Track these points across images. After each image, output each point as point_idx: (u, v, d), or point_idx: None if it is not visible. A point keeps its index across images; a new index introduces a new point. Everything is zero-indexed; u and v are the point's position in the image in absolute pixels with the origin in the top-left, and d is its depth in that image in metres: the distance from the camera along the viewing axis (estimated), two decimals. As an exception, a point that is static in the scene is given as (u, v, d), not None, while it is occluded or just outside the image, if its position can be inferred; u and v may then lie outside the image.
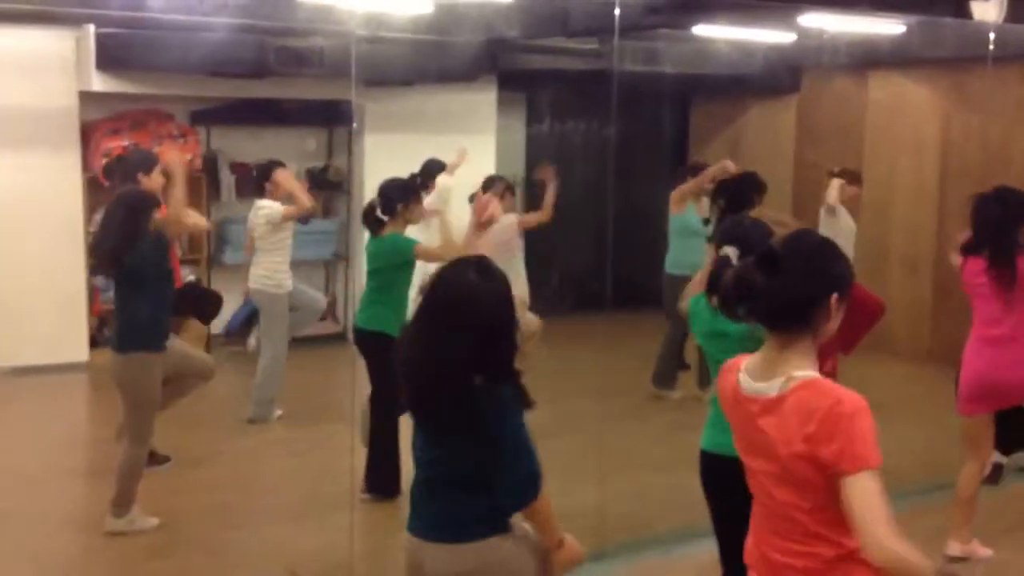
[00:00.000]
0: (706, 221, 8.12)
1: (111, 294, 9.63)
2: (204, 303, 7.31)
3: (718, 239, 3.85)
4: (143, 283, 5.64)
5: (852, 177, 8.35)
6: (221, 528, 5.95)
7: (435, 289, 3.07)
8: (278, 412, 7.91)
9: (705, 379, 8.51)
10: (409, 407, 3.17)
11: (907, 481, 6.24)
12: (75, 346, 9.30)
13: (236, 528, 5.97)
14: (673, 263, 8.35)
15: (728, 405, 2.79)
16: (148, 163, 6.44)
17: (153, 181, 6.34)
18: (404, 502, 6.29)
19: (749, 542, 2.85)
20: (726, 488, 3.59)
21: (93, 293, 9.51)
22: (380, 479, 6.20)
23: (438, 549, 3.16)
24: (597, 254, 9.24)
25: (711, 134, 12.53)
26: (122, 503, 5.72)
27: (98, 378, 9.16)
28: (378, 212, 6.25)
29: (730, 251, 3.66)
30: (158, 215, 5.69)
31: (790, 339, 2.63)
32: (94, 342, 9.49)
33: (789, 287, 2.60)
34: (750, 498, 2.85)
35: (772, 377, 2.63)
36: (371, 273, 6.34)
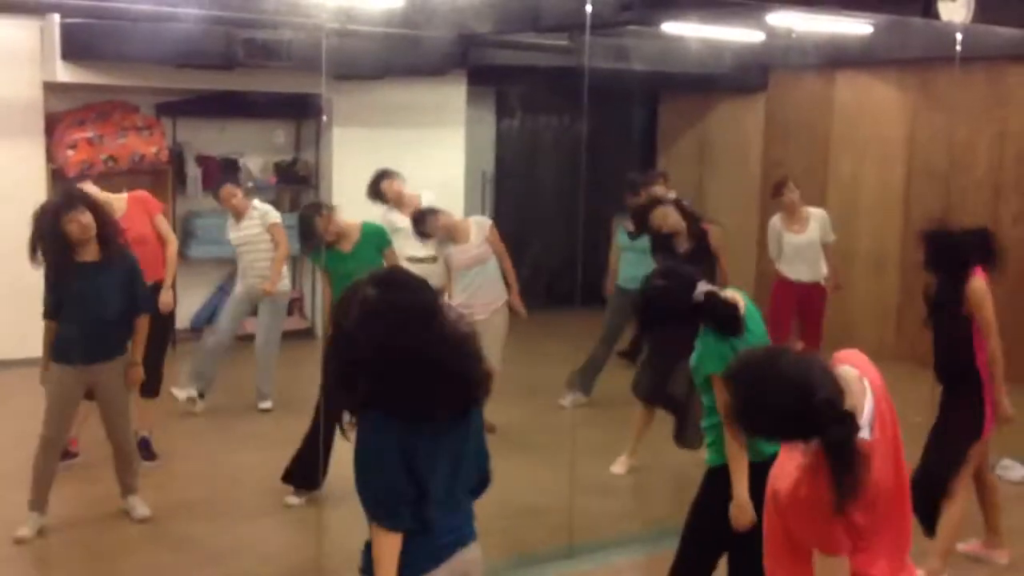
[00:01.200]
0: (630, 235, 8.19)
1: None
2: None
3: (680, 292, 3.92)
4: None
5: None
6: (189, 523, 5.90)
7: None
8: (268, 403, 8.03)
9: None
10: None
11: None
12: (37, 341, 9.15)
13: (204, 523, 5.92)
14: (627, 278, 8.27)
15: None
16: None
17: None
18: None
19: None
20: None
21: (56, 286, 9.38)
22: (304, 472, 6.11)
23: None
24: (567, 250, 9.24)
25: (679, 131, 12.57)
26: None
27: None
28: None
29: (705, 289, 3.89)
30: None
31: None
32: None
33: None
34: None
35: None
36: None
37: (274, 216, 7.97)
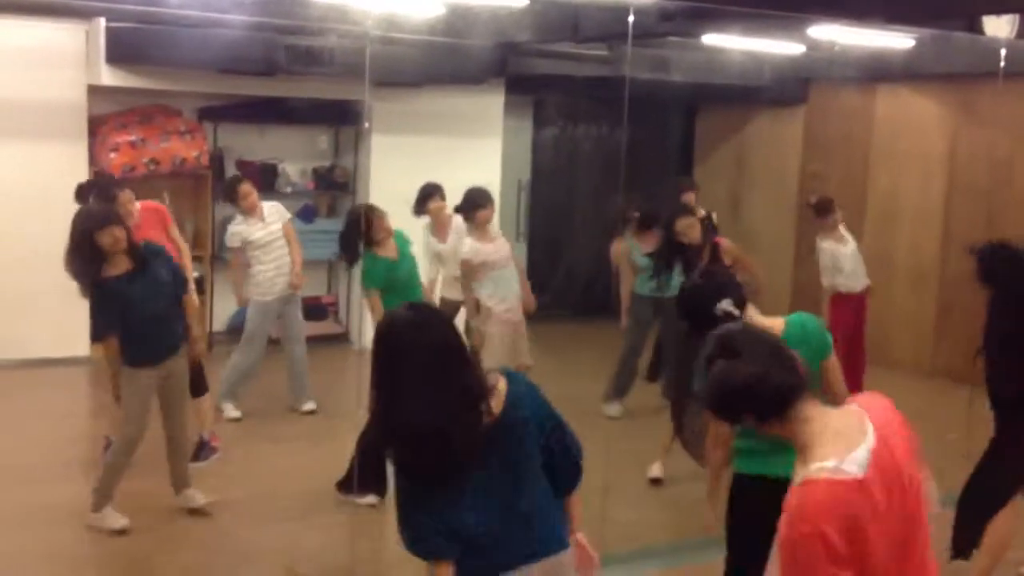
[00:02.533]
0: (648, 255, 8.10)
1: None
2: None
3: (705, 298, 3.87)
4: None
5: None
6: (224, 524, 5.94)
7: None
8: (309, 405, 8.07)
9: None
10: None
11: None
12: (77, 340, 9.29)
13: (239, 524, 5.96)
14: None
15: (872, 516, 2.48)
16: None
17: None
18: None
19: None
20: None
21: (96, 287, 9.48)
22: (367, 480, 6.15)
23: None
24: (601, 260, 9.24)
25: (716, 143, 12.54)
26: (99, 499, 5.76)
27: (99, 372, 9.14)
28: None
29: (729, 307, 3.79)
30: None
31: (803, 404, 2.58)
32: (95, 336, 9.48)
33: None
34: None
35: (856, 439, 2.55)
36: None
37: (286, 212, 8.07)
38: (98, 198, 6.84)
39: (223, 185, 8.55)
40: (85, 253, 5.63)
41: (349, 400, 8.08)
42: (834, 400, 3.59)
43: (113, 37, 8.76)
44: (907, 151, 10.48)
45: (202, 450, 6.69)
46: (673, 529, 6.36)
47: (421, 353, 2.83)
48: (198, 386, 6.74)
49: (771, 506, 3.36)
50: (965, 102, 9.95)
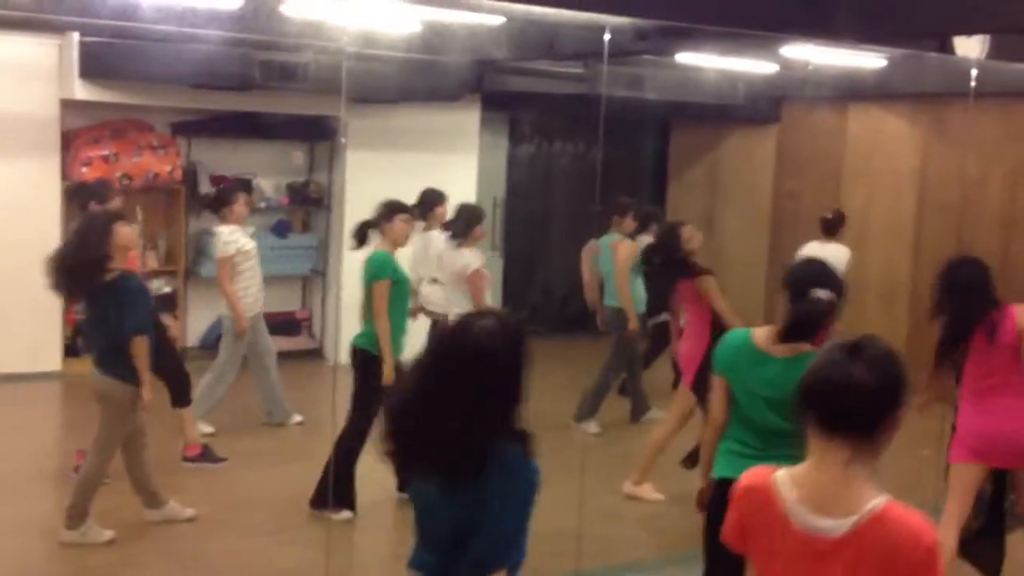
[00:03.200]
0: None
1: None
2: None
3: (798, 282, 4.04)
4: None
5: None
6: (197, 540, 5.90)
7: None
8: (297, 418, 8.11)
9: (639, 410, 8.55)
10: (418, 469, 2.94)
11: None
12: (49, 355, 9.22)
13: (212, 540, 5.92)
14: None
15: (766, 534, 2.38)
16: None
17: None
18: (371, 522, 6.29)
19: None
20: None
21: (69, 303, 9.42)
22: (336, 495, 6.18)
23: None
24: (576, 276, 9.25)
25: (690, 160, 12.61)
26: (78, 513, 5.68)
27: (71, 387, 9.08)
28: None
29: (822, 294, 3.95)
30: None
31: (858, 451, 2.26)
32: (68, 351, 9.42)
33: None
34: None
35: (838, 508, 2.25)
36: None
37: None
38: (93, 201, 7.03)
39: (215, 194, 8.35)
40: (103, 252, 5.58)
41: (323, 415, 8.06)
42: None
43: (86, 51, 8.73)
44: (879, 169, 10.59)
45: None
46: (649, 545, 6.35)
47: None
48: (183, 397, 6.80)
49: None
50: (936, 121, 10.06)
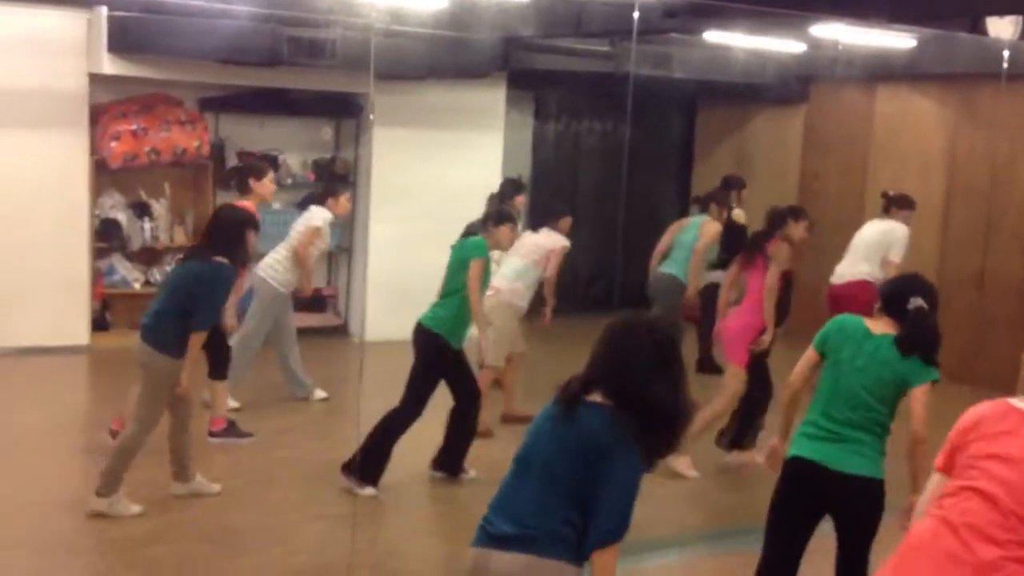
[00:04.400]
0: None
1: (114, 278, 9.67)
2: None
3: (900, 292, 4.36)
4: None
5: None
6: (223, 514, 5.95)
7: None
8: (321, 394, 8.13)
9: None
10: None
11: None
12: (76, 329, 9.29)
13: (238, 514, 5.97)
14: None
15: (992, 422, 2.98)
16: (260, 170, 7.22)
17: (264, 187, 7.18)
18: (399, 499, 6.33)
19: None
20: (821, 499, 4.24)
21: (96, 277, 9.49)
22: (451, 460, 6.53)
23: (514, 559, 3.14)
24: (604, 255, 9.26)
25: (717, 140, 12.54)
26: (111, 480, 5.74)
27: (98, 361, 9.17)
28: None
29: (921, 302, 4.27)
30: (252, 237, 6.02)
31: None
32: (95, 325, 9.49)
33: None
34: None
35: None
36: (447, 278, 6.59)
37: None
38: (243, 182, 7.22)
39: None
40: (240, 248, 5.93)
41: (348, 392, 8.11)
42: None
43: (115, 26, 8.74)
44: (907, 151, 10.50)
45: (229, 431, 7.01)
46: (680, 522, 6.35)
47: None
48: (220, 369, 6.95)
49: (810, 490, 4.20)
50: (966, 102, 9.96)
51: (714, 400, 6.88)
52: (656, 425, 3.12)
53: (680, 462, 6.83)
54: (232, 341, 7.66)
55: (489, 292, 7.42)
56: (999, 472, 2.87)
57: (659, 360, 3.17)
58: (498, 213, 6.80)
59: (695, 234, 8.68)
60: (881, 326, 4.30)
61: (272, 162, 10.20)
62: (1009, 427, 2.94)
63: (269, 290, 7.72)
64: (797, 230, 7.05)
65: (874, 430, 4.22)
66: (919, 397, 4.20)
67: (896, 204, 8.56)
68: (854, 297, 8.16)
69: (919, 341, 4.22)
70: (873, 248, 8.37)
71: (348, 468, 6.25)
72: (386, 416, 6.21)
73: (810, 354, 4.38)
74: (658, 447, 3.17)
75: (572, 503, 3.09)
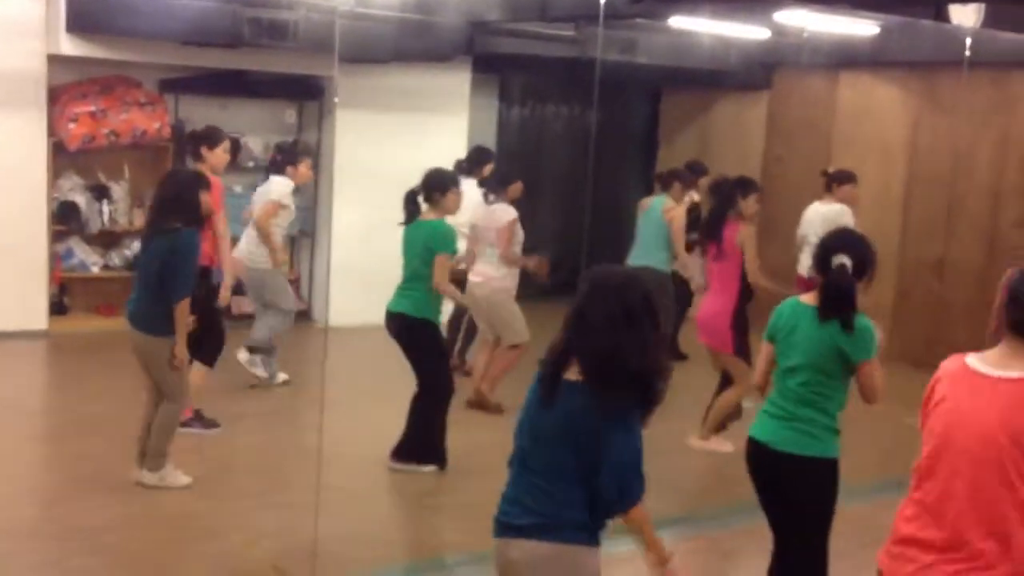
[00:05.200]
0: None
1: (72, 262, 9.54)
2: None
3: (825, 250, 4.16)
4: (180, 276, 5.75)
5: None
6: (186, 501, 5.89)
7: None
8: (283, 376, 8.11)
9: None
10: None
11: (866, 476, 6.32)
12: (34, 313, 9.16)
13: (201, 501, 5.91)
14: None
15: (950, 382, 3.07)
16: (214, 138, 6.94)
17: (216, 156, 6.88)
18: (363, 488, 6.29)
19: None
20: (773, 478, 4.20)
21: (54, 261, 9.37)
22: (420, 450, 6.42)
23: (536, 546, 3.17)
24: (566, 238, 9.24)
25: (681, 125, 12.57)
26: (157, 456, 5.86)
27: (57, 345, 9.06)
28: (420, 199, 6.47)
29: (845, 260, 4.07)
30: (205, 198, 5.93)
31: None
32: (53, 309, 9.36)
33: None
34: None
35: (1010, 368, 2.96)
36: (409, 260, 6.47)
37: None
38: (204, 147, 6.97)
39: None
40: (187, 209, 5.78)
41: (312, 377, 8.05)
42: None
43: (74, 6, 8.59)
44: (869, 138, 10.56)
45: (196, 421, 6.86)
46: (684, 499, 6.35)
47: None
48: (210, 356, 6.80)
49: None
50: (928, 90, 10.03)
51: (728, 391, 6.98)
52: (628, 388, 3.09)
53: (711, 442, 7.02)
54: (262, 331, 7.84)
55: (477, 279, 7.45)
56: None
57: (625, 317, 3.11)
58: (440, 182, 6.53)
59: (659, 216, 8.69)
60: (812, 296, 4.19)
61: (234, 144, 10.12)
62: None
63: (256, 275, 7.76)
64: (748, 206, 6.89)
65: (823, 406, 4.13)
66: (863, 380, 4.13)
67: (836, 180, 8.60)
68: None
69: (834, 304, 4.07)
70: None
71: (397, 455, 6.38)
72: (422, 398, 6.34)
73: (765, 348, 4.32)
74: (640, 409, 3.14)
75: (577, 484, 3.11)
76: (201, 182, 6.04)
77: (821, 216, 8.41)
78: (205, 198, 5.97)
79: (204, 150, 6.95)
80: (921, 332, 9.78)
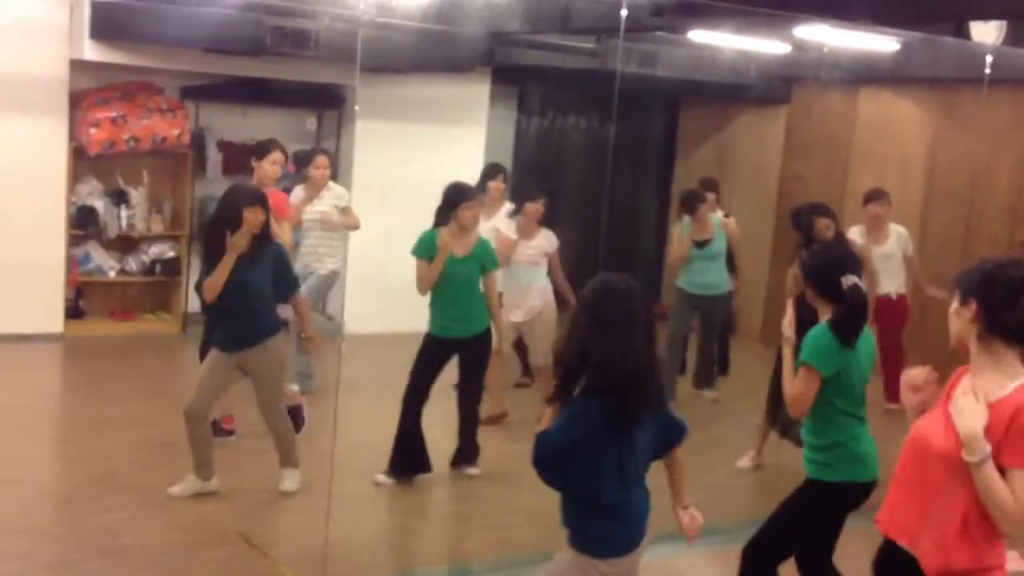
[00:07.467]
0: (699, 244, 8.44)
1: (89, 266, 9.59)
2: None
3: (831, 270, 4.23)
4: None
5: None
6: (198, 505, 5.90)
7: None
8: (294, 387, 8.02)
9: (704, 378, 8.86)
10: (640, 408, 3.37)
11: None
12: (51, 317, 9.21)
13: (212, 506, 5.92)
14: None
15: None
16: (261, 150, 7.12)
17: (261, 169, 7.07)
18: (376, 495, 6.30)
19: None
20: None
21: (71, 265, 9.42)
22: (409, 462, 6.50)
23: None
24: (583, 251, 9.25)
25: (699, 139, 12.57)
26: (288, 460, 6.18)
27: (73, 349, 9.10)
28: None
29: (855, 280, 4.17)
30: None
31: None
32: (69, 313, 9.41)
33: None
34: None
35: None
36: None
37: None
38: (253, 159, 7.17)
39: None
40: (229, 225, 5.79)
41: (328, 385, 8.04)
42: None
43: (97, 12, 8.66)
44: (888, 154, 10.54)
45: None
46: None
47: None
48: None
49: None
50: (948, 107, 10.01)
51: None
52: (611, 389, 3.24)
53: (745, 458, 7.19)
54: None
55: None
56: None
57: (593, 321, 3.23)
58: (447, 200, 6.54)
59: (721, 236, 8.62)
60: (825, 313, 4.25)
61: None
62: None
63: (314, 280, 8.06)
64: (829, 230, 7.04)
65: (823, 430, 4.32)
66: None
67: (870, 199, 8.62)
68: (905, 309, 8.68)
69: (854, 325, 4.19)
70: (898, 258, 8.57)
71: (455, 463, 6.58)
72: (465, 401, 6.57)
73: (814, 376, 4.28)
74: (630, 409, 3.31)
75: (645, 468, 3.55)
76: (245, 199, 5.86)
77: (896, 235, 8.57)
78: (250, 216, 5.76)
79: (253, 161, 7.20)
80: (940, 348, 9.72)
